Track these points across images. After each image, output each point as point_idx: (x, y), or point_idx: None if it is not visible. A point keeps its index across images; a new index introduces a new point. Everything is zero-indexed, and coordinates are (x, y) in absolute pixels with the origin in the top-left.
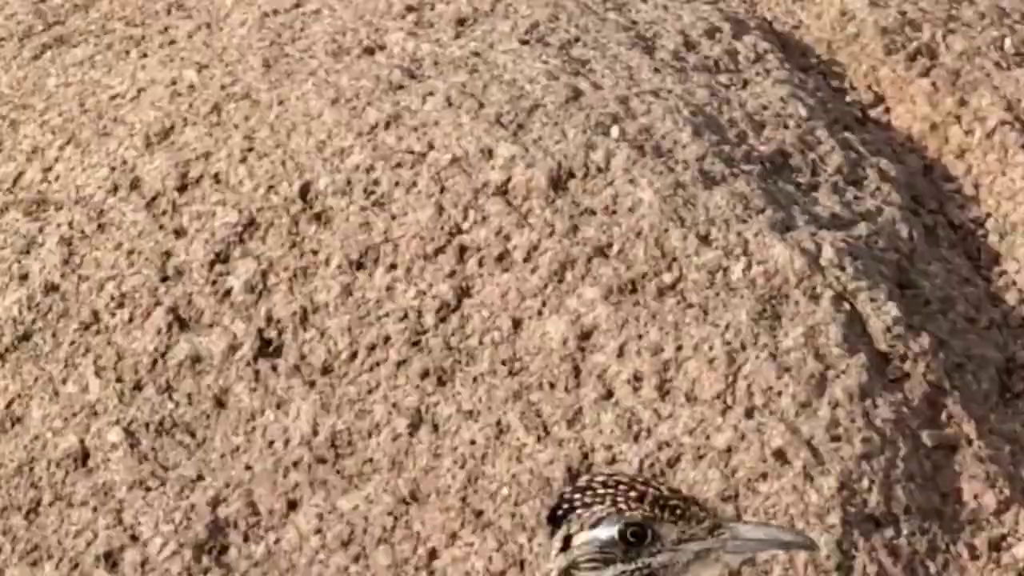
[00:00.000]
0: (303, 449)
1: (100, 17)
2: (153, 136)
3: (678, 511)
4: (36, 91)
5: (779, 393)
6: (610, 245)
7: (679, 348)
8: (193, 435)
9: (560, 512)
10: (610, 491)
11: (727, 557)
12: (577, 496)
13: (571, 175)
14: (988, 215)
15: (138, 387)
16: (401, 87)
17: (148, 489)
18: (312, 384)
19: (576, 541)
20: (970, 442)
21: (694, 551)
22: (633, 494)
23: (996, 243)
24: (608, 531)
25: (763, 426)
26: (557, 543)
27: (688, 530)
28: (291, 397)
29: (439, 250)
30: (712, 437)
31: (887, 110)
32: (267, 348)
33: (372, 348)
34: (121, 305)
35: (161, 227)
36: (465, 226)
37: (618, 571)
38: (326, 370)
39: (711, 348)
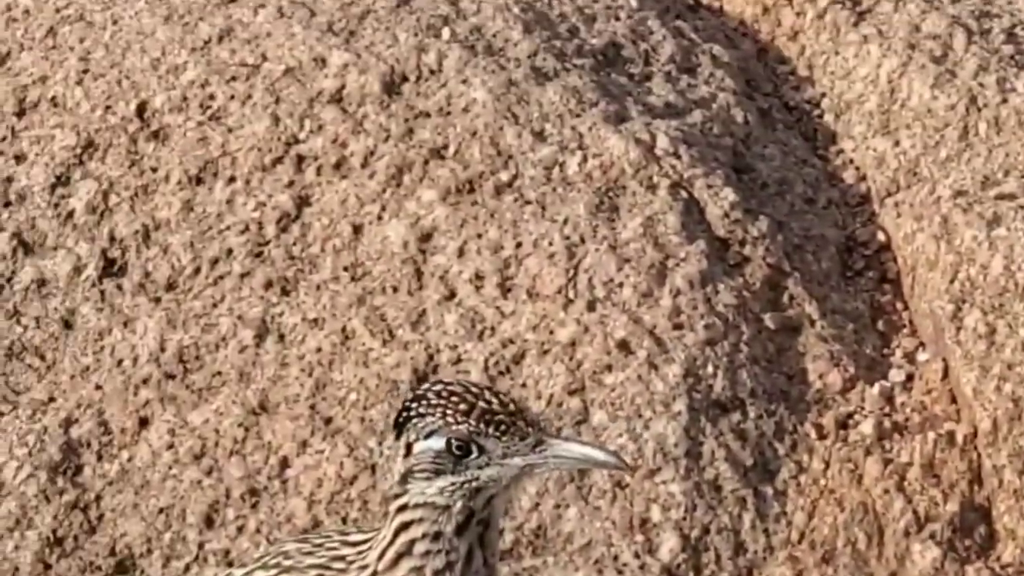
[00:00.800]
0: (152, 366)
1: None
2: None
3: (503, 427)
4: None
5: (620, 284)
6: (446, 147)
7: (519, 245)
8: (42, 358)
9: (401, 419)
10: (442, 403)
11: (547, 471)
12: (414, 405)
13: (404, 79)
14: (823, 95)
15: None
16: (232, 1)
17: (0, 414)
18: (157, 301)
19: (415, 450)
20: (813, 322)
21: (518, 466)
22: (463, 407)
23: (832, 123)
24: (438, 443)
25: (605, 318)
26: (402, 449)
27: (512, 445)
28: (137, 315)
29: (277, 161)
30: (555, 332)
31: None
32: (111, 267)
33: (215, 262)
34: None
35: (1, 153)
36: (301, 136)
37: (448, 482)
38: (171, 286)
39: (551, 244)
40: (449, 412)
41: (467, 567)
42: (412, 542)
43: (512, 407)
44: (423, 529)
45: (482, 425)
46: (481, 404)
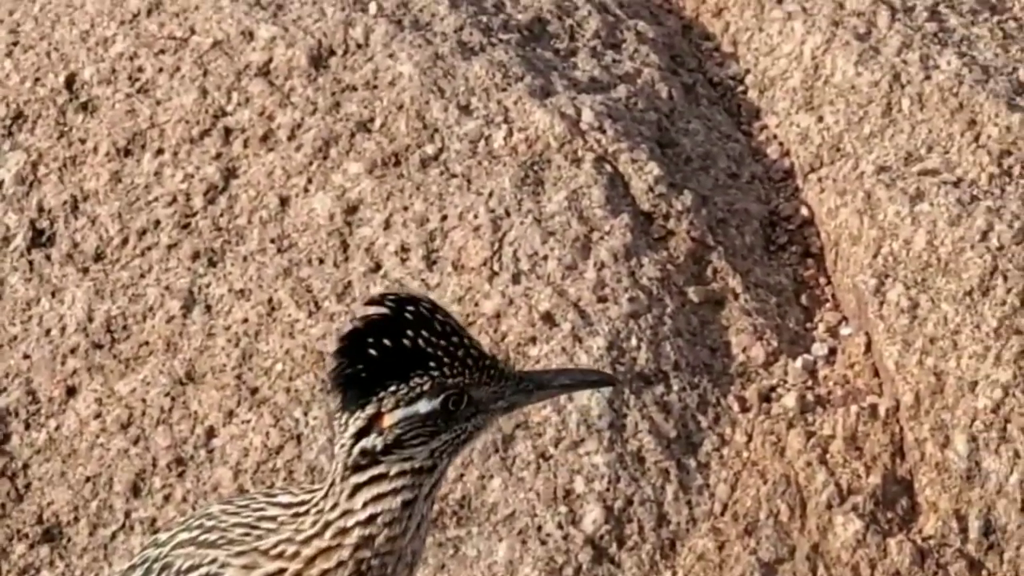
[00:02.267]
0: (79, 336)
1: None
2: None
3: (492, 372)
4: None
5: (545, 257)
6: (372, 120)
7: (444, 218)
8: None
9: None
10: (431, 354)
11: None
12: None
13: (331, 52)
14: (747, 71)
15: None
16: None
17: None
18: (86, 271)
19: (391, 420)
20: (736, 296)
21: (503, 408)
22: (448, 360)
23: (756, 98)
24: (429, 405)
25: (530, 291)
26: (360, 422)
27: (499, 389)
28: (65, 285)
29: (204, 133)
30: (480, 304)
31: None
32: (40, 238)
33: (143, 233)
34: None
35: None
36: (229, 108)
37: (440, 442)
38: (99, 257)
39: (476, 216)
40: (435, 368)
41: (417, 531)
42: (384, 512)
43: (483, 348)
44: (403, 497)
45: (477, 374)
46: (468, 351)
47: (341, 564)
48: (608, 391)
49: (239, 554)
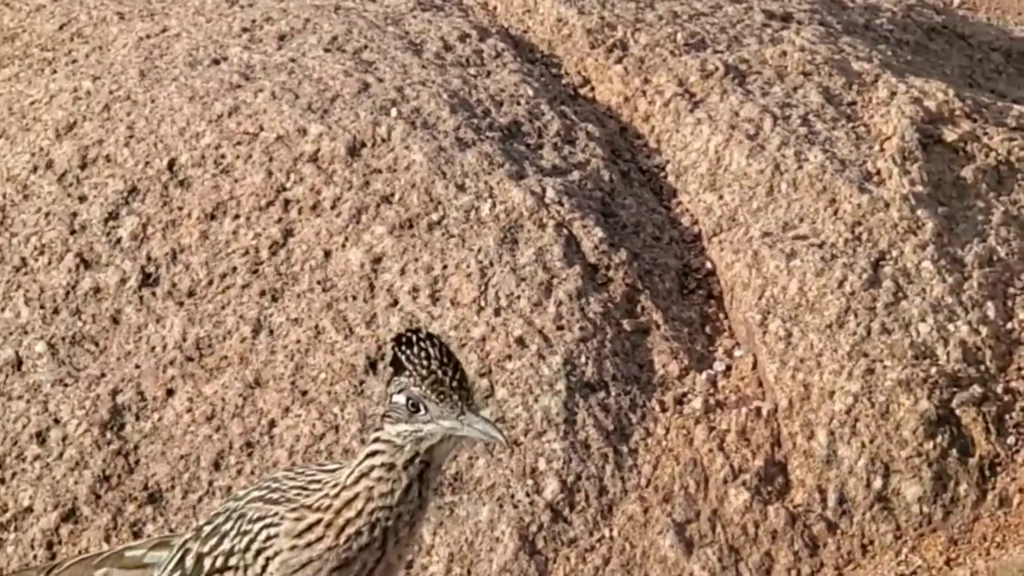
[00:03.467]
0: (176, 351)
1: (22, 45)
2: (61, 129)
3: (441, 395)
4: None
5: (518, 296)
6: (393, 194)
7: (445, 267)
8: (97, 344)
9: (395, 366)
10: (411, 367)
11: (464, 438)
12: (402, 359)
13: (363, 145)
14: (667, 162)
15: (56, 311)
16: (239, 86)
17: (66, 385)
18: (181, 304)
19: (391, 400)
20: (658, 326)
21: (445, 427)
22: (423, 373)
23: (673, 181)
24: (400, 398)
25: (507, 321)
26: (386, 397)
27: (444, 411)
28: (166, 314)
29: (269, 203)
30: (471, 330)
31: (592, 89)
32: (148, 280)
33: (223, 276)
34: (42, 253)
35: (69, 195)
36: (288, 185)
37: (403, 428)
38: (191, 293)
39: (468, 266)
40: (413, 376)
41: (404, 495)
42: (372, 467)
43: (455, 383)
44: (382, 459)
45: (428, 391)
46: (434, 375)
47: (358, 513)
48: (498, 446)
49: (292, 509)
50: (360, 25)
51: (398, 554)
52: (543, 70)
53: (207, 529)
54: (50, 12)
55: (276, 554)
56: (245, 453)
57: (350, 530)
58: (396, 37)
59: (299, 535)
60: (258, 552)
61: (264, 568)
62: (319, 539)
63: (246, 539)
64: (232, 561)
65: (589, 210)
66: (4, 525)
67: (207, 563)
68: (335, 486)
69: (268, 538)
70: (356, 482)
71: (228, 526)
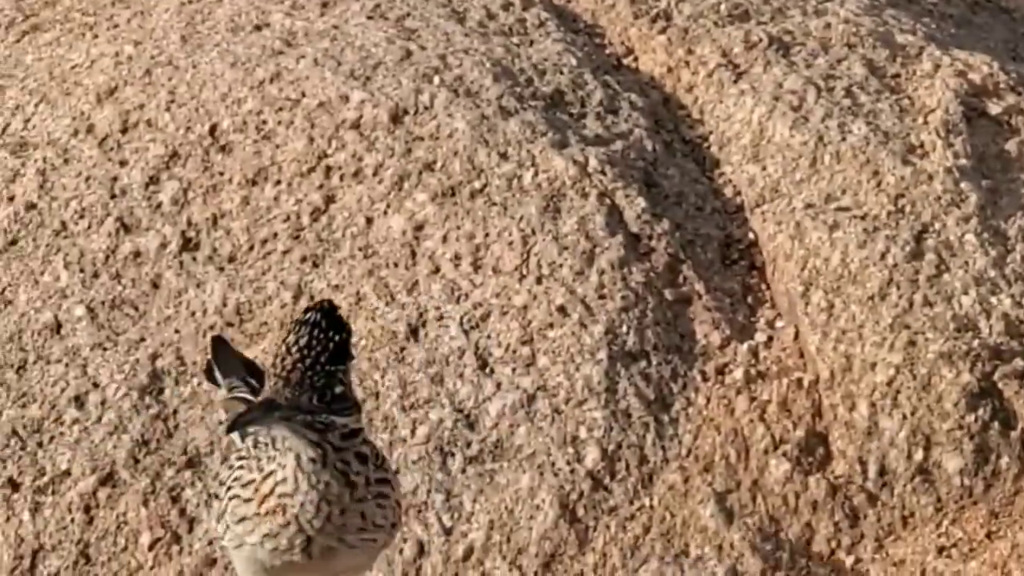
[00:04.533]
0: (216, 316)
1: (63, 9)
2: (102, 94)
3: (278, 382)
4: (17, 65)
5: (560, 265)
6: (435, 162)
7: (487, 235)
8: (136, 309)
9: None
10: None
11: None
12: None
13: (405, 112)
14: (710, 133)
15: (95, 275)
16: (281, 52)
17: (105, 349)
18: (222, 269)
19: None
20: (700, 297)
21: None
22: (277, 360)
23: (716, 152)
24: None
25: (549, 289)
26: None
27: (278, 398)
28: (207, 279)
29: (311, 169)
30: (512, 298)
31: (635, 59)
32: (188, 244)
33: (264, 241)
34: (82, 217)
35: (109, 159)
36: (329, 152)
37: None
38: (231, 259)
39: (510, 234)
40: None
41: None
42: None
43: (287, 371)
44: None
45: (278, 378)
46: (276, 364)
47: None
48: None
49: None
50: None
51: None
52: (586, 40)
53: None
54: None
55: None
56: None
57: None
58: (439, 5)
59: None
60: None
61: None
62: None
63: None
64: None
65: (632, 180)
66: (42, 489)
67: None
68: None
69: None
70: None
71: None
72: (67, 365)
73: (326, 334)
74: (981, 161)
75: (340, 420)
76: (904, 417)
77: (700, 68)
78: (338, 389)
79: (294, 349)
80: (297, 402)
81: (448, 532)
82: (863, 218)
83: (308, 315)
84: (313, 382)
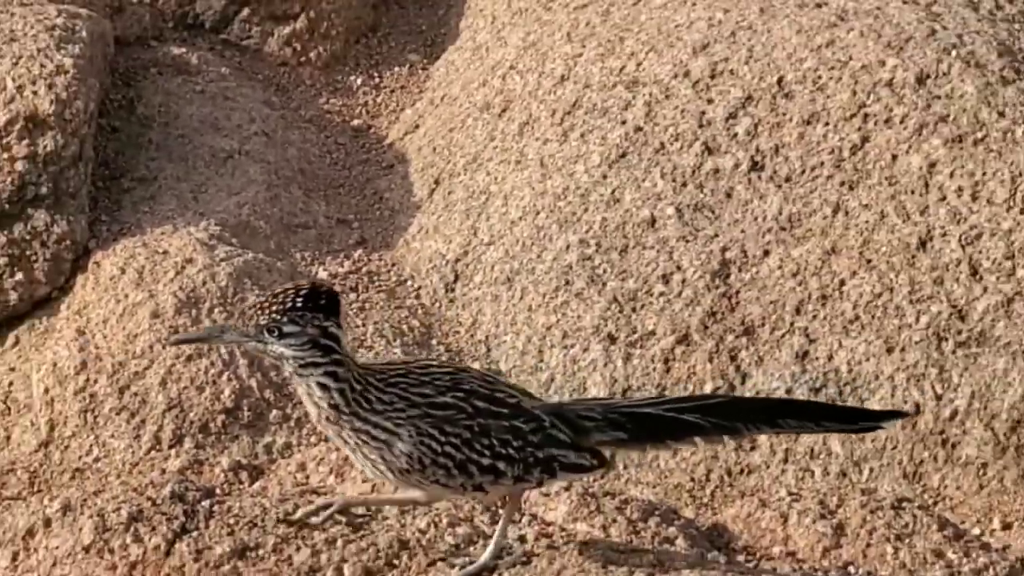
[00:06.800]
0: (772, 222)
1: None
2: (697, 48)
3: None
4: (633, 22)
5: None
6: (948, 116)
7: (984, 174)
8: (713, 212)
9: None
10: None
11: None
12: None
13: (928, 76)
14: None
15: (684, 184)
16: (835, 25)
17: (687, 241)
18: (779, 187)
19: None
20: None
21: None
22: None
23: None
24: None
25: None
26: None
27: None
28: (767, 194)
29: (852, 116)
30: (1001, 224)
31: None
32: (755, 166)
33: (813, 168)
34: (676, 139)
35: (699, 97)
36: (867, 103)
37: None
38: (787, 179)
39: (1002, 175)
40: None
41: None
42: None
43: (264, 304)
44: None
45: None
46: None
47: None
48: None
49: None
50: None
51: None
52: None
53: None
54: None
55: None
56: (819, 303)
57: None
58: None
59: None
60: None
61: None
62: None
63: None
64: None
65: None
66: (632, 343)
67: None
68: None
69: None
70: None
71: None
72: (657, 251)
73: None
74: None
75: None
76: None
77: None
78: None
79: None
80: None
81: (939, 398)
82: None
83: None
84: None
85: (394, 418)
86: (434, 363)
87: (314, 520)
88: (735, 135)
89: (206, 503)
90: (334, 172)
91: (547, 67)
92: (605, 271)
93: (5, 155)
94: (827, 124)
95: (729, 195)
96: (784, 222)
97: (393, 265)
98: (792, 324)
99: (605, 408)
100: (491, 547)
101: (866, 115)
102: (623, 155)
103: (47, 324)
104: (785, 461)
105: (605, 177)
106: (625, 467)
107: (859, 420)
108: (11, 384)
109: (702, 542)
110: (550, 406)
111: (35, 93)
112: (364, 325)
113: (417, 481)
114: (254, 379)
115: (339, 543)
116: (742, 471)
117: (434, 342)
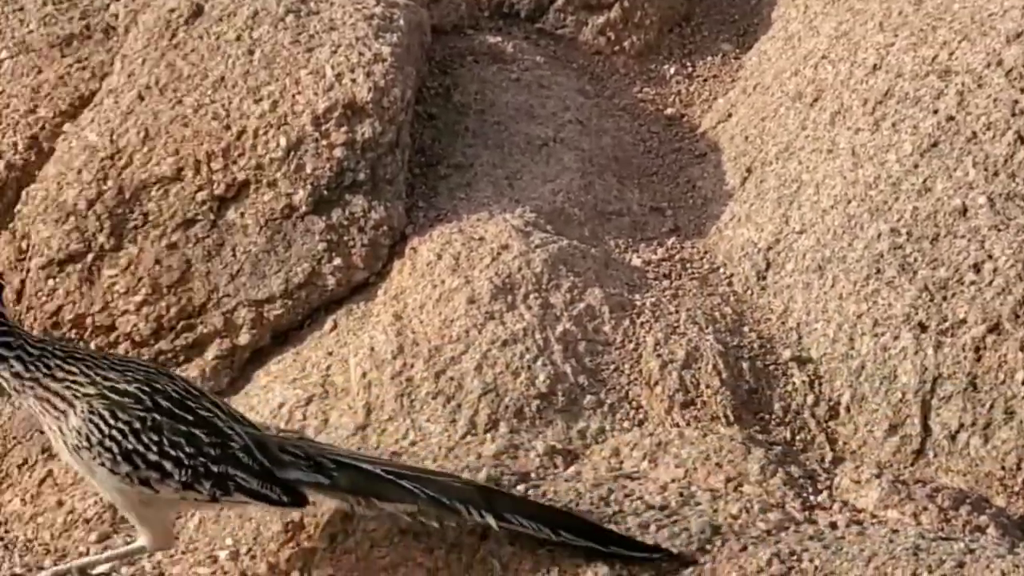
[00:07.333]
0: None
1: None
2: (1011, 36)
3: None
4: (946, 11)
5: None
6: None
7: None
8: None
9: None
10: None
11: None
12: None
13: None
14: None
15: (995, 174)
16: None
17: (999, 230)
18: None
19: None
20: None
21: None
22: None
23: None
24: None
25: None
26: None
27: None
28: None
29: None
30: None
31: None
32: None
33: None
34: (988, 128)
35: (1012, 87)
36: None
37: None
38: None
39: None
40: None
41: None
42: None
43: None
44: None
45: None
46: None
47: None
48: None
49: None
50: None
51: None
52: None
53: None
54: None
55: None
56: None
57: None
58: None
59: None
60: None
61: None
62: None
63: None
64: None
65: None
66: (943, 332)
67: None
68: None
69: None
70: None
71: None
72: (968, 240)
73: None
74: None
75: None
76: None
77: None
78: None
79: None
80: None
81: None
82: None
83: None
84: None
85: (73, 390)
86: (142, 362)
87: None
88: None
89: (521, 488)
90: (647, 160)
91: (859, 56)
92: (916, 260)
93: (324, 142)
94: None
95: None
96: None
97: (706, 253)
98: None
99: (320, 452)
100: (82, 561)
101: None
102: (935, 144)
103: (364, 309)
104: None
105: (916, 166)
106: (935, 455)
107: (610, 544)
108: (329, 368)
109: (1013, 531)
110: (257, 434)
111: (353, 81)
112: (677, 312)
113: (87, 463)
114: (568, 364)
115: (652, 527)
116: None
117: (746, 329)
